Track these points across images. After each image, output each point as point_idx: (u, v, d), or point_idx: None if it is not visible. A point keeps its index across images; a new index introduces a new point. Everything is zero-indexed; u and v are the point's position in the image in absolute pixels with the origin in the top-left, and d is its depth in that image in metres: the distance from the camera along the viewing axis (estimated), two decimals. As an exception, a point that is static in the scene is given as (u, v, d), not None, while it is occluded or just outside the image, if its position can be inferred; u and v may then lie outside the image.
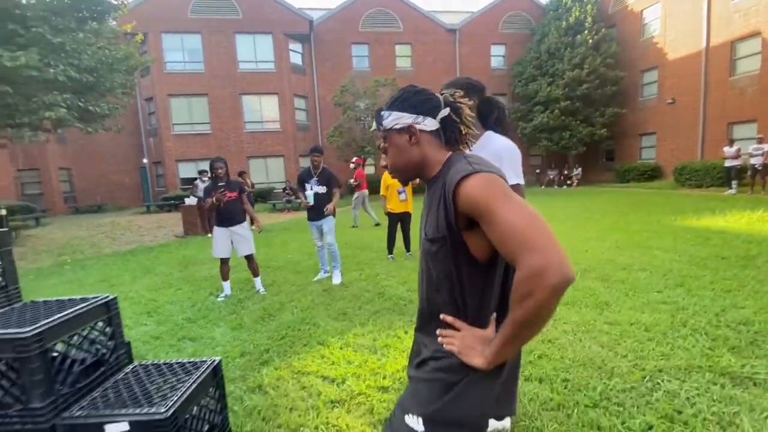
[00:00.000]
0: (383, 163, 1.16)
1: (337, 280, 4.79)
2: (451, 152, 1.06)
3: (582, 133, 19.31)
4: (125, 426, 1.08)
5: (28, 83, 5.81)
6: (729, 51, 14.55)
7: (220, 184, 4.40)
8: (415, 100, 1.05)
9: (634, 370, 2.42)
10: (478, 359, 0.95)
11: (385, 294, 4.26)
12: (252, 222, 4.85)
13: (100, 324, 1.30)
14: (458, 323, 1.02)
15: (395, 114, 1.06)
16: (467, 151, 1.11)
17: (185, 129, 18.61)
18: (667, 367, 2.42)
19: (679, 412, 1.99)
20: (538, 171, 22.57)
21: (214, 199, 4.30)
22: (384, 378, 2.51)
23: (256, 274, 4.68)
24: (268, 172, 19.35)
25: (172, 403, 1.11)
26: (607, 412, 2.03)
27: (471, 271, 0.99)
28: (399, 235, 6.07)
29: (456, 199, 0.93)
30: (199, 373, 1.28)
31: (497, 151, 1.61)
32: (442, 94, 1.08)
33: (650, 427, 1.89)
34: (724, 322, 2.95)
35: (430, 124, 1.04)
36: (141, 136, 19.92)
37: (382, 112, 1.09)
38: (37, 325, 1.08)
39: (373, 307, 3.88)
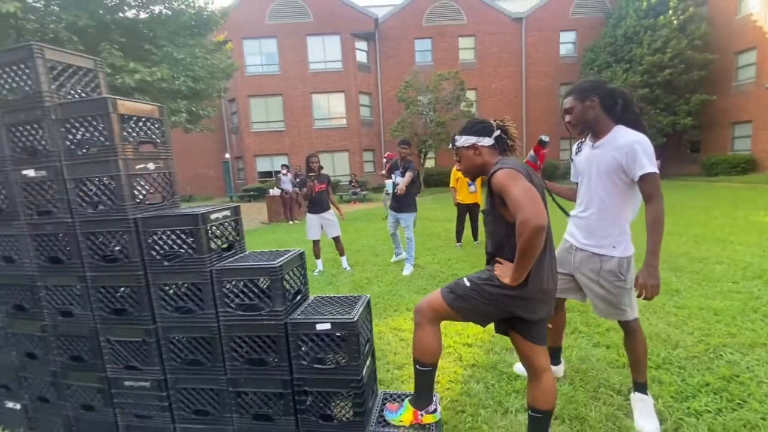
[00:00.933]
0: (458, 167, 1.81)
1: (407, 272, 4.93)
2: (500, 157, 1.66)
3: (662, 123, 17.89)
4: (328, 325, 1.73)
5: (160, 93, 7.15)
6: None
7: (311, 174, 5.13)
8: (477, 127, 1.68)
9: (699, 344, 2.69)
10: (506, 279, 1.55)
11: (458, 275, 4.75)
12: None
13: (297, 266, 1.98)
14: (500, 260, 1.63)
15: (465, 137, 1.69)
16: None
17: (262, 127, 20.37)
18: (732, 343, 2.66)
19: (737, 376, 2.27)
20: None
21: (307, 189, 5.06)
22: (467, 337, 3.03)
23: (342, 253, 5.42)
24: (334, 166, 20.52)
25: (354, 313, 1.73)
26: (669, 372, 2.38)
27: (507, 230, 1.56)
28: (467, 225, 6.49)
29: (491, 186, 1.53)
30: (361, 302, 1.91)
31: (628, 144, 1.76)
32: (495, 121, 1.71)
33: (707, 384, 2.21)
34: (800, 311, 3.05)
35: (487, 141, 1.67)
36: (224, 133, 22.12)
37: (455, 137, 1.75)
38: (278, 261, 1.76)
39: (449, 285, 4.40)
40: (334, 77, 20.00)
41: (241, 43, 19.46)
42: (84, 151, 1.76)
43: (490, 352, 2.80)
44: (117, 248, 1.83)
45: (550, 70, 21.44)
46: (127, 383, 1.94)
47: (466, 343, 2.95)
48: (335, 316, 1.75)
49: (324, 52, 19.97)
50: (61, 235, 1.87)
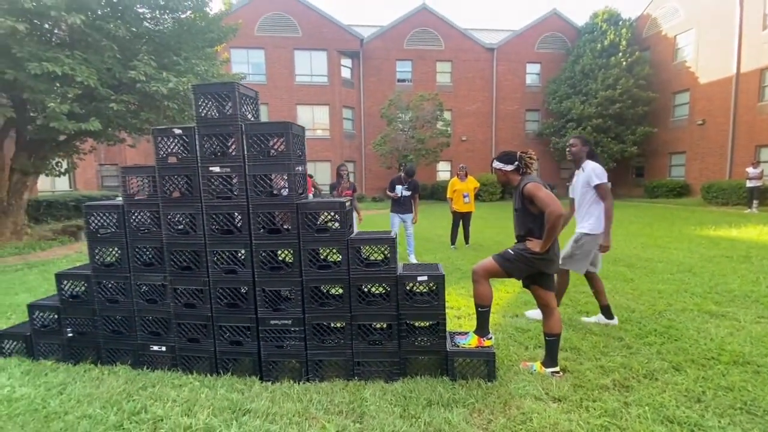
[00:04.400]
0: (498, 179, 2.81)
1: (413, 260, 6.29)
2: (521, 176, 2.70)
3: (613, 150, 20.25)
4: (425, 277, 2.62)
5: (183, 101, 7.72)
6: (759, 78, 15.38)
7: (341, 181, 6.02)
8: (505, 158, 2.74)
9: (648, 310, 3.82)
10: (537, 248, 2.52)
11: (461, 269, 5.74)
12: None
13: (397, 241, 2.86)
14: (530, 239, 2.60)
15: (498, 163, 2.76)
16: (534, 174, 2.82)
17: (246, 133, 20.70)
18: (670, 309, 3.81)
19: (674, 326, 3.38)
20: (568, 184, 23.45)
21: (339, 191, 5.92)
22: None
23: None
24: (317, 175, 21.16)
25: (441, 270, 2.64)
26: (630, 324, 3.45)
27: (534, 220, 2.56)
28: (460, 230, 7.53)
29: (523, 192, 2.55)
30: (440, 266, 2.81)
31: (590, 169, 3.32)
32: (519, 153, 2.73)
33: (655, 330, 3.30)
34: (714, 290, 4.29)
35: (511, 167, 2.70)
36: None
37: (493, 162, 2.81)
38: (392, 233, 2.63)
39: (456, 276, 5.37)
40: (319, 91, 20.84)
41: (228, 52, 19.86)
42: (262, 156, 2.57)
43: (504, 317, 3.78)
44: (282, 224, 2.63)
45: (518, 96, 23.53)
46: (272, 321, 2.71)
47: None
48: (428, 272, 2.65)
49: (311, 66, 20.81)
50: (236, 213, 2.64)
